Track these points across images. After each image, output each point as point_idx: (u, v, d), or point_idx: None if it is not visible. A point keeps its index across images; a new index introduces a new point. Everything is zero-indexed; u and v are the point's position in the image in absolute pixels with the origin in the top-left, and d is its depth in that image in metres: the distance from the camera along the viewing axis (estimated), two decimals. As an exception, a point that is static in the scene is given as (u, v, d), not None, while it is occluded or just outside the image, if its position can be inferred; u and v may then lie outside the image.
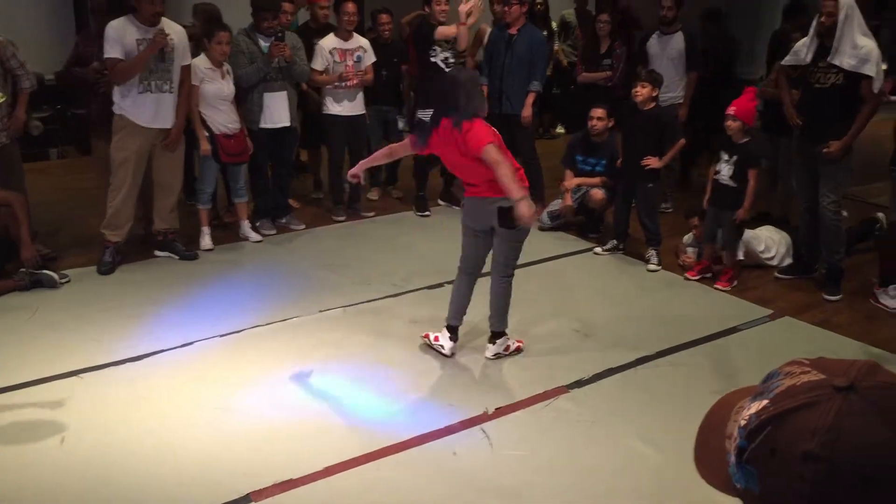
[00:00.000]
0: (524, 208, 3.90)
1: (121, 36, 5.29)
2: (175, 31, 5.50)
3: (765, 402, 0.84)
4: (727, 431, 0.89)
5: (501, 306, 4.40)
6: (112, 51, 5.30)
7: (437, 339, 4.45)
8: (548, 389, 4.11)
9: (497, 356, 4.41)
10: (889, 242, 5.46)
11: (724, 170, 5.43)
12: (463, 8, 6.55)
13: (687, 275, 5.68)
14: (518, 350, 4.50)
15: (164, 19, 5.43)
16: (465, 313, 4.47)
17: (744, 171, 5.35)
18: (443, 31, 6.61)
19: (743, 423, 0.85)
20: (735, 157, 5.38)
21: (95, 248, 5.63)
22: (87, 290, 5.25)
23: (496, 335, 4.43)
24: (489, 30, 7.23)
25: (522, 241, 4.32)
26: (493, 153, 3.96)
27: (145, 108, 5.44)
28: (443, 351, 4.42)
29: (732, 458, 0.86)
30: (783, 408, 0.81)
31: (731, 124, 5.34)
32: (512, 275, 4.39)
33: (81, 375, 4.16)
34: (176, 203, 5.84)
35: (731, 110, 5.36)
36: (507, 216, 4.07)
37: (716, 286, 5.48)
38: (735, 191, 5.39)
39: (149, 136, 5.51)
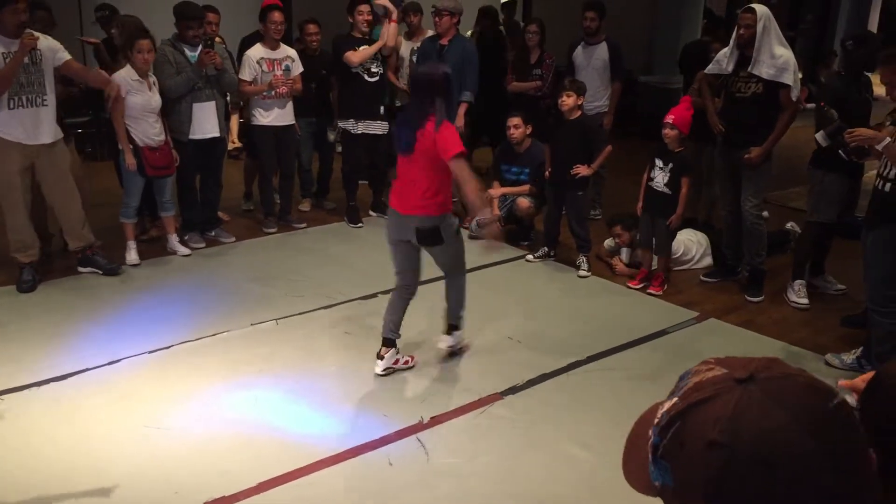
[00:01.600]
0: (494, 229, 4.30)
1: None
2: (42, 44, 5.20)
3: (675, 399, 0.88)
4: (647, 445, 0.92)
5: (458, 299, 4.48)
6: None
7: (405, 362, 4.41)
8: (482, 397, 4.13)
9: (451, 347, 4.57)
10: (802, 241, 5.65)
11: (659, 177, 5.55)
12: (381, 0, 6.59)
13: (629, 284, 5.76)
14: (406, 364, 4.40)
15: (29, 30, 5.15)
16: (399, 326, 4.39)
17: (678, 178, 5.48)
18: (362, 55, 6.59)
19: (656, 420, 0.89)
20: (671, 165, 5.50)
21: (14, 267, 5.45)
22: (7, 308, 5.08)
23: (451, 327, 4.54)
24: (402, 42, 7.26)
25: (462, 248, 4.35)
26: (465, 166, 3.96)
27: (19, 125, 5.15)
28: (409, 364, 4.42)
29: (648, 457, 0.90)
30: (689, 402, 0.86)
31: (669, 132, 5.46)
32: (463, 271, 4.45)
33: (2, 397, 4.02)
34: (84, 218, 5.61)
35: (668, 118, 5.48)
36: (429, 236, 4.08)
37: (649, 291, 5.59)
38: (670, 198, 5.51)
39: (27, 154, 5.22)
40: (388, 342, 4.32)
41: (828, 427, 0.80)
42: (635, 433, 1.01)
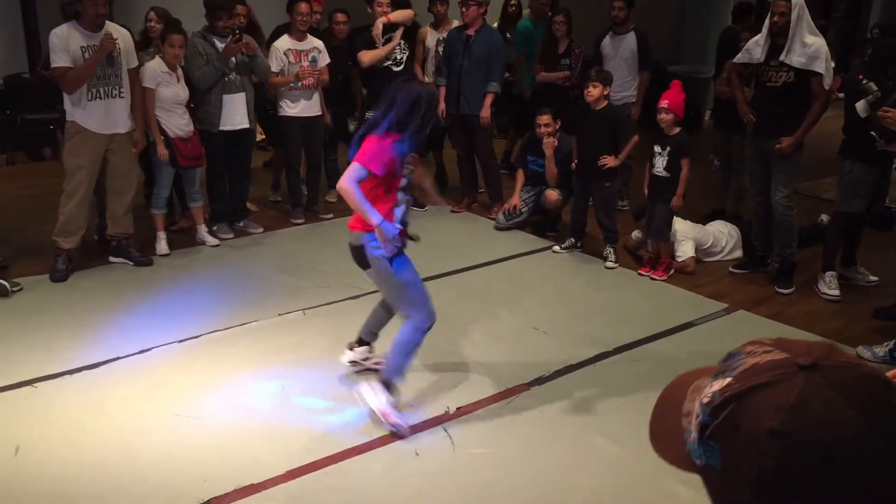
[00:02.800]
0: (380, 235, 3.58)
1: (65, 43, 5.20)
2: (121, 35, 5.43)
3: (728, 379, 0.84)
4: (684, 410, 0.90)
5: (397, 351, 3.78)
6: (59, 59, 5.20)
7: (375, 363, 4.16)
8: (509, 388, 4.13)
9: (354, 363, 4.18)
10: (830, 231, 5.59)
11: (659, 162, 5.57)
12: None
13: (640, 271, 5.75)
14: (376, 364, 4.13)
15: (108, 23, 5.36)
16: (377, 332, 4.18)
17: (676, 161, 5.49)
18: (375, 55, 6.61)
19: (706, 400, 0.86)
20: (668, 149, 5.51)
21: (48, 256, 5.53)
22: (40, 298, 5.15)
23: (384, 383, 3.77)
24: (429, 33, 7.25)
25: (399, 279, 3.70)
26: (351, 175, 3.49)
27: (97, 115, 5.37)
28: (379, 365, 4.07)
29: (694, 435, 0.87)
30: (747, 385, 0.82)
31: (664, 117, 5.48)
32: (418, 323, 3.74)
33: (35, 385, 4.08)
34: (130, 207, 5.75)
35: (663, 103, 5.49)
36: (360, 255, 3.71)
37: (652, 277, 5.59)
38: (669, 181, 5.53)
39: (102, 142, 5.43)
40: (362, 342, 4.19)
41: (891, 423, 0.77)
42: (664, 403, 0.98)
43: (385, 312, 4.12)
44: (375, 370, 4.06)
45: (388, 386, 3.76)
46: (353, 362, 4.21)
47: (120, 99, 5.45)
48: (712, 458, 0.84)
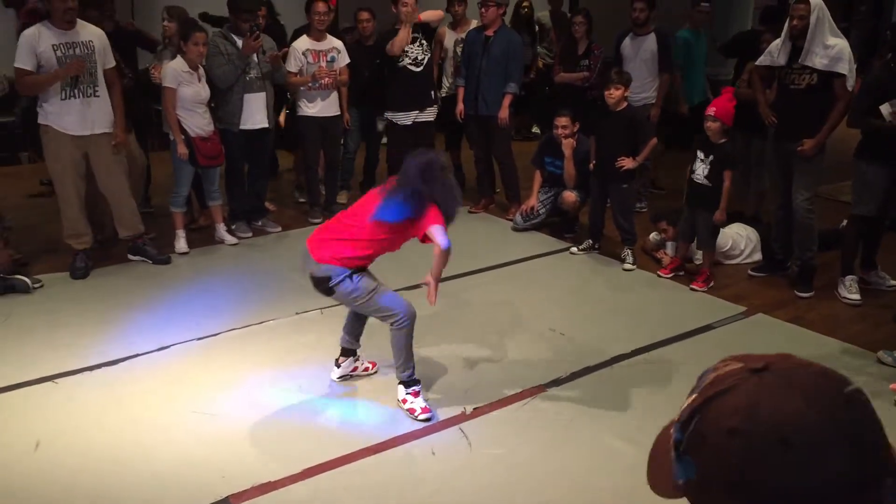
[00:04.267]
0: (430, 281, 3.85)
1: (33, 45, 5.09)
2: (94, 34, 5.34)
3: (694, 395, 0.91)
4: (670, 446, 0.95)
5: (395, 354, 3.89)
6: (21, 61, 5.10)
7: (365, 369, 4.25)
8: (525, 389, 4.13)
9: (343, 378, 4.13)
10: (847, 235, 5.55)
11: (700, 169, 5.48)
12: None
13: (660, 272, 5.73)
14: (366, 371, 4.23)
15: (80, 21, 5.28)
16: (357, 338, 4.19)
17: (719, 171, 5.40)
18: (402, 40, 6.56)
19: (677, 418, 0.92)
20: (711, 157, 5.43)
21: (68, 253, 5.58)
22: (61, 294, 5.20)
23: (404, 383, 3.90)
24: (447, 34, 7.25)
25: (364, 293, 3.75)
26: (445, 236, 3.71)
27: (72, 116, 5.25)
28: (369, 371, 4.25)
29: (671, 454, 0.92)
30: (707, 395, 0.89)
31: (711, 125, 5.38)
32: (399, 323, 3.81)
33: (56, 381, 4.13)
34: (135, 208, 5.73)
35: (710, 111, 5.41)
36: (322, 285, 3.77)
37: (692, 287, 5.52)
38: (710, 190, 5.43)
39: (80, 144, 5.32)
40: (347, 352, 4.18)
41: (842, 410, 0.82)
42: (657, 443, 1.03)
43: (356, 318, 4.13)
44: (367, 376, 4.20)
45: (408, 384, 3.88)
46: (343, 377, 4.19)
47: (95, 98, 5.32)
48: (689, 472, 0.89)
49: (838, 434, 0.81)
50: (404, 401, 3.89)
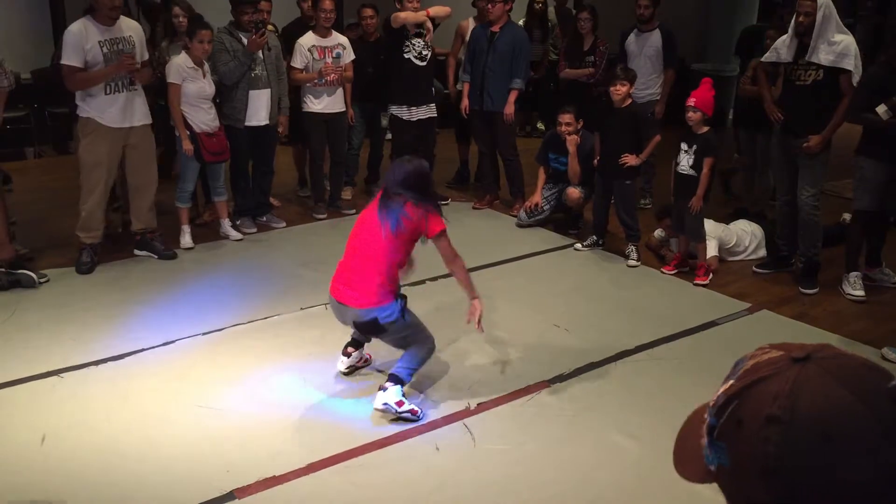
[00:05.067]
0: (478, 306, 3.96)
1: (80, 42, 5.16)
2: (132, 29, 5.44)
3: (731, 381, 0.89)
4: (702, 431, 0.93)
5: (409, 357, 3.90)
6: (70, 58, 5.17)
7: (364, 361, 4.27)
8: (529, 384, 4.14)
9: (385, 406, 3.78)
10: (850, 231, 5.55)
11: (685, 160, 5.51)
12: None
13: (663, 269, 5.74)
14: (364, 363, 4.26)
15: (122, 17, 5.37)
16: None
17: (702, 160, 5.43)
18: (410, 16, 6.54)
19: (712, 403, 0.90)
20: (695, 147, 5.46)
21: (74, 248, 5.60)
22: (66, 289, 5.22)
23: (394, 378, 3.81)
24: (471, 26, 7.23)
25: (409, 328, 3.86)
26: (451, 247, 3.89)
27: (114, 109, 5.36)
28: (367, 362, 4.28)
29: (704, 439, 0.90)
30: (746, 381, 0.86)
31: (692, 115, 5.41)
32: (425, 343, 3.90)
33: (62, 375, 4.14)
34: (153, 202, 5.79)
35: (690, 101, 5.43)
36: (372, 327, 3.84)
37: (695, 282, 5.52)
38: (696, 180, 5.47)
39: (120, 137, 5.43)
40: (357, 343, 4.21)
41: (886, 405, 0.80)
42: (686, 428, 1.01)
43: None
44: (373, 372, 4.24)
45: (397, 381, 3.79)
46: (350, 369, 4.21)
47: (135, 91, 5.46)
48: (723, 458, 0.87)
49: (882, 429, 0.79)
50: (400, 403, 3.77)
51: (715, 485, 0.92)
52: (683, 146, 5.53)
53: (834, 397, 0.80)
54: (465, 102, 6.89)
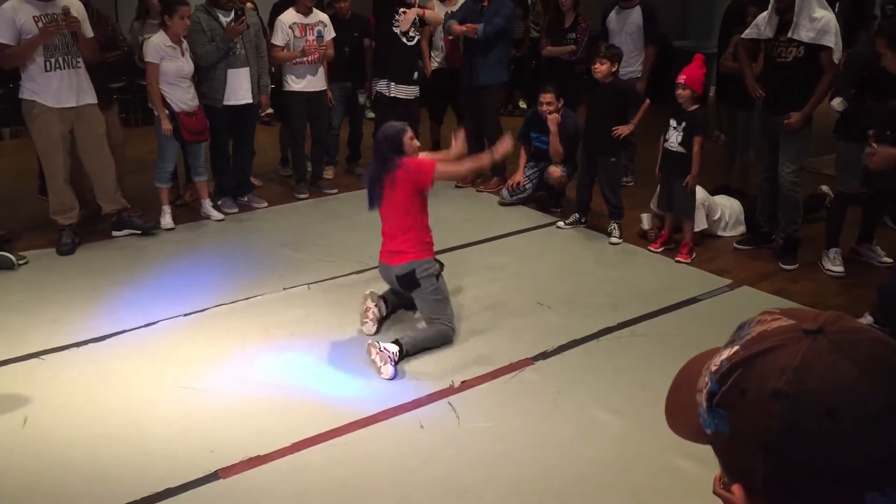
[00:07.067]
0: (506, 143, 4.56)
1: (10, 18, 5.01)
2: (72, 5, 5.23)
3: (736, 347, 0.86)
4: (698, 385, 0.91)
5: (420, 338, 4.24)
6: (0, 35, 5.01)
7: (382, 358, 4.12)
8: (513, 362, 4.15)
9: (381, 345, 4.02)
10: (834, 210, 5.60)
11: (673, 137, 5.52)
12: None
13: (650, 247, 5.76)
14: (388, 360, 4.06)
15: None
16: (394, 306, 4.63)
17: (691, 137, 5.44)
18: (431, 15, 6.76)
19: (714, 368, 0.87)
20: (684, 124, 5.46)
21: (53, 229, 5.54)
22: (46, 271, 5.18)
23: (397, 342, 4.08)
24: (437, 4, 7.22)
25: (443, 294, 4.33)
26: (445, 166, 4.34)
27: (57, 87, 5.19)
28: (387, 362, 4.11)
29: (703, 403, 0.88)
30: (753, 350, 0.84)
31: (682, 92, 5.42)
32: (447, 325, 4.32)
33: (42, 357, 4.12)
34: (116, 182, 5.69)
35: (681, 79, 5.43)
36: (409, 280, 4.25)
37: (677, 259, 5.55)
38: (684, 157, 5.48)
39: (68, 117, 5.28)
40: (387, 303, 4.57)
41: (895, 382, 0.78)
42: (681, 377, 0.99)
43: (401, 302, 4.61)
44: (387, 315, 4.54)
45: (398, 344, 4.06)
46: (376, 322, 4.44)
47: (79, 68, 5.28)
48: (721, 426, 0.85)
49: (891, 409, 0.77)
50: (384, 357, 3.98)
51: (696, 458, 0.91)
52: (673, 122, 5.53)
53: (843, 374, 0.78)
54: (463, 27, 6.80)
